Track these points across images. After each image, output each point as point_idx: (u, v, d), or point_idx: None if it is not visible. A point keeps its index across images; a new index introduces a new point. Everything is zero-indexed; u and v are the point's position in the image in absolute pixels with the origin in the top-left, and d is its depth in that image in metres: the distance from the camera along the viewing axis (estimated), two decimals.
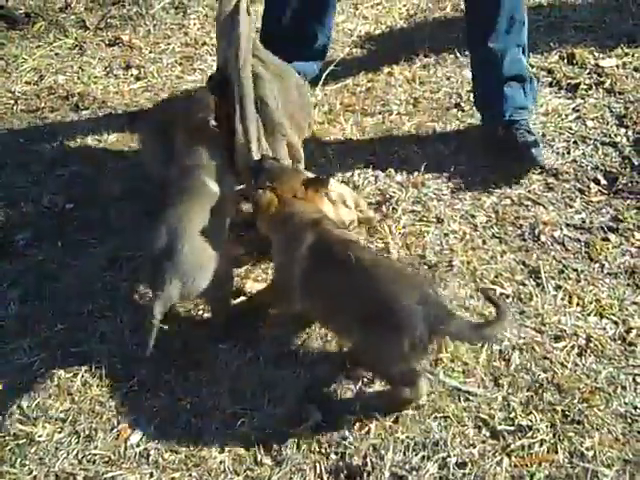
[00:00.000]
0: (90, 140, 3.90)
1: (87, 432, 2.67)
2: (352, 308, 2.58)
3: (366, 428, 2.65)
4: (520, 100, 3.65)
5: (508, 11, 3.53)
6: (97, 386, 2.80)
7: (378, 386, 2.76)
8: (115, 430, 2.68)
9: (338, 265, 2.63)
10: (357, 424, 2.66)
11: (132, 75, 4.36)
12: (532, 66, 4.05)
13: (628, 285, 3.10)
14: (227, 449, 2.62)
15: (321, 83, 4.10)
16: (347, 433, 2.64)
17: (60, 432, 2.67)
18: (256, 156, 2.97)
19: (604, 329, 2.94)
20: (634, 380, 2.76)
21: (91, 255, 3.31)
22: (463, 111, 3.97)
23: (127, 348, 2.93)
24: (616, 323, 2.96)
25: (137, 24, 4.75)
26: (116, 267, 3.26)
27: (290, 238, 2.75)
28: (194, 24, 4.75)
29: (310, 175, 3.02)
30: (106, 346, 2.94)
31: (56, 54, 4.54)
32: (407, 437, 2.62)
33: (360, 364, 2.76)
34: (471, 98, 3.93)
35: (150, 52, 4.53)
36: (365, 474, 2.53)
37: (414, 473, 2.53)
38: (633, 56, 4.21)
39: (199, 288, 2.75)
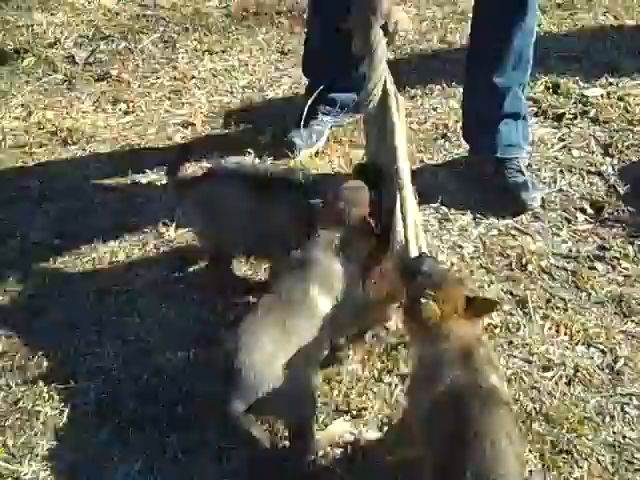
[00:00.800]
0: (78, 175, 3.91)
1: (73, 470, 2.64)
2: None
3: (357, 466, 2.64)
4: (513, 138, 3.65)
5: (517, 48, 3.48)
6: (84, 423, 2.78)
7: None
8: (102, 467, 2.65)
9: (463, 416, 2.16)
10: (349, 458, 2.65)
11: (121, 110, 4.39)
12: None
13: (615, 314, 3.10)
14: None
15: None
16: (337, 469, 2.61)
17: (46, 470, 2.64)
18: (414, 253, 2.61)
19: (592, 358, 2.94)
20: (622, 409, 2.75)
21: (80, 290, 3.30)
22: (450, 142, 4.00)
23: (114, 383, 2.91)
24: (604, 352, 2.96)
25: (126, 59, 4.79)
26: (104, 301, 3.25)
27: (435, 362, 2.31)
28: (182, 58, 4.80)
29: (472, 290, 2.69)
30: (93, 382, 2.92)
31: (45, 89, 4.58)
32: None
33: None
34: (458, 129, 3.96)
35: (139, 86, 4.57)
36: None
37: None
38: (617, 86, 4.26)
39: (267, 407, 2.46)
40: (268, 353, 2.42)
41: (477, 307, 2.36)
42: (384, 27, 2.88)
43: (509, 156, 3.63)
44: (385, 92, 2.87)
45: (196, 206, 3.14)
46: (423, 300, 2.30)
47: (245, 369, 2.39)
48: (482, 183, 3.69)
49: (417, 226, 2.73)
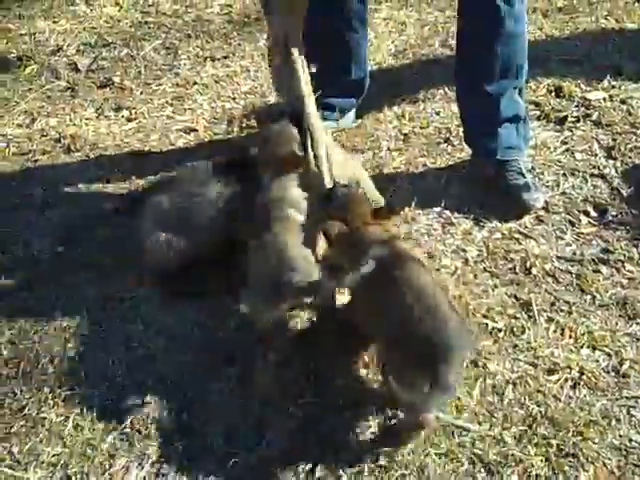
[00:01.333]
0: (82, 182, 3.91)
1: (79, 476, 2.64)
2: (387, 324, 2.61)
3: (360, 466, 2.63)
4: (512, 140, 3.64)
5: (504, 55, 3.46)
6: (89, 429, 2.78)
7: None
8: (107, 474, 2.65)
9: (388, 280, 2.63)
10: (350, 463, 2.64)
11: (123, 116, 4.39)
12: None
13: (620, 316, 3.10)
14: None
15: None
16: (341, 472, 2.62)
17: (51, 477, 2.64)
18: (328, 184, 3.04)
19: (597, 361, 2.93)
20: (628, 412, 2.75)
21: (83, 297, 3.30)
22: (453, 146, 4.00)
23: (118, 390, 2.91)
24: (609, 355, 2.95)
25: (128, 66, 4.79)
26: (107, 308, 3.25)
27: (357, 255, 2.74)
28: (184, 65, 4.79)
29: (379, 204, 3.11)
30: (98, 389, 2.92)
31: (48, 96, 4.58)
32: (402, 475, 2.60)
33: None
34: (461, 133, 3.95)
35: (141, 93, 4.57)
36: None
37: None
38: (620, 88, 4.25)
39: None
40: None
41: (381, 214, 2.89)
42: None
43: (509, 158, 3.63)
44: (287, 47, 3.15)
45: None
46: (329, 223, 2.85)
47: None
48: (484, 186, 3.69)
49: (329, 159, 3.09)
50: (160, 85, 4.62)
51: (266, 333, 2.98)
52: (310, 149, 3.08)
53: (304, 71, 3.18)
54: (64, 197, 3.83)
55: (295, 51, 3.15)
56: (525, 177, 3.60)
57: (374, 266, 2.66)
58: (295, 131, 3.13)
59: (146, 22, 5.20)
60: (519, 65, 3.55)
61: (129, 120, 4.37)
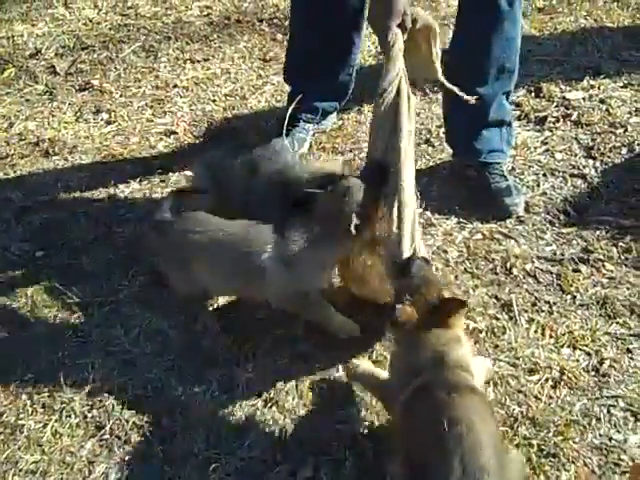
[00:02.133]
0: (61, 186, 3.89)
1: None
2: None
3: (343, 469, 2.63)
4: (496, 144, 3.64)
5: (499, 58, 3.46)
6: (68, 436, 2.77)
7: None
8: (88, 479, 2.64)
9: (432, 417, 2.30)
10: (333, 466, 2.64)
11: (102, 119, 4.36)
12: None
13: (600, 316, 3.10)
14: None
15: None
16: (323, 475, 2.61)
17: None
18: (406, 253, 2.72)
19: (577, 361, 2.94)
20: (609, 411, 2.75)
21: (62, 301, 3.28)
22: (433, 147, 4.00)
23: (98, 395, 2.89)
24: (589, 354, 2.96)
25: (107, 68, 4.77)
26: (87, 313, 3.23)
27: (409, 360, 2.49)
28: (164, 67, 4.77)
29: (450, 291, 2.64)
30: (77, 394, 2.90)
31: (26, 100, 4.55)
32: (383, 477, 2.59)
33: None
34: (441, 134, 3.96)
35: (121, 96, 4.54)
36: None
37: None
38: (599, 88, 4.26)
39: None
40: None
41: (444, 308, 2.47)
42: (401, 25, 2.90)
43: (492, 161, 3.63)
44: (399, 91, 2.86)
45: None
46: (398, 307, 2.44)
47: None
48: (465, 188, 3.69)
49: (414, 229, 2.79)
50: (140, 88, 4.60)
51: None
52: (396, 210, 2.77)
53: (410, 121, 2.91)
54: (43, 201, 3.80)
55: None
56: (507, 180, 3.61)
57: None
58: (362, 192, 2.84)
59: (125, 25, 5.17)
60: (511, 70, 3.55)
61: (108, 123, 4.34)
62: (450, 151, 3.84)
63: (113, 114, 4.39)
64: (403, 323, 2.44)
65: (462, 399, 2.32)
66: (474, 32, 3.45)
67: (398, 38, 2.89)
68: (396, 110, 2.84)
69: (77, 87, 4.63)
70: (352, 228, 2.77)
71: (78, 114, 4.41)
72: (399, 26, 2.89)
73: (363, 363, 2.84)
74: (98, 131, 4.28)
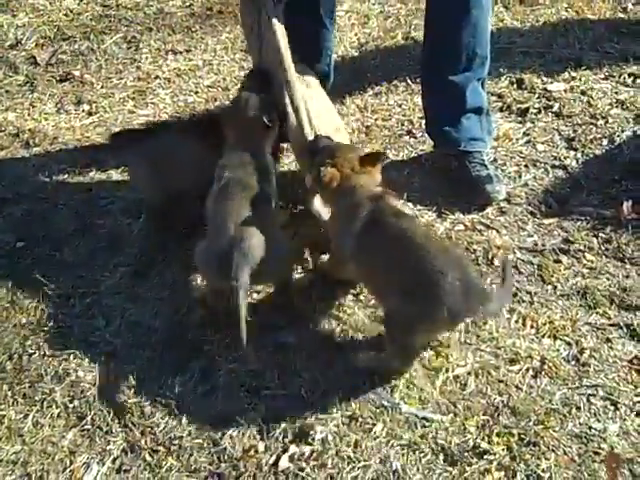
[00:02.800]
0: (41, 177, 3.87)
1: (39, 474, 2.62)
2: (399, 275, 2.74)
3: (324, 458, 2.63)
4: (476, 132, 3.65)
5: (468, 46, 3.49)
6: (49, 426, 2.76)
7: None
8: (67, 471, 2.63)
9: (390, 235, 2.80)
10: (314, 454, 2.64)
11: (84, 111, 4.34)
12: None
13: (581, 306, 3.12)
14: None
15: None
16: (304, 464, 2.62)
17: (11, 474, 2.61)
18: (310, 137, 3.16)
19: (558, 351, 2.96)
20: (588, 400, 2.77)
21: (43, 293, 3.26)
22: (415, 138, 4.00)
23: (79, 386, 2.88)
24: (569, 344, 2.98)
25: (88, 59, 4.74)
26: (69, 304, 3.22)
27: (350, 209, 2.90)
28: (146, 58, 4.75)
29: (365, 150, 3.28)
30: (58, 386, 2.89)
31: (6, 91, 4.52)
32: (365, 466, 2.61)
33: (386, 325, 2.84)
34: (423, 125, 3.96)
35: (102, 87, 4.52)
36: None
37: None
38: (580, 80, 4.28)
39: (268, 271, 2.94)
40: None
41: (368, 160, 2.98)
42: None
43: (472, 150, 3.64)
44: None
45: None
46: (322, 169, 2.92)
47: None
48: (447, 178, 3.70)
49: (309, 112, 3.22)
50: (121, 79, 4.58)
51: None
52: (290, 101, 3.20)
53: (281, 29, 3.26)
54: (24, 192, 3.78)
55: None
56: (488, 169, 3.62)
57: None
58: (259, 98, 3.24)
59: (107, 15, 5.13)
60: (483, 56, 3.57)
61: (90, 114, 4.32)
62: (431, 142, 3.85)
63: (94, 105, 4.37)
64: (329, 181, 2.92)
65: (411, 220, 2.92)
66: (443, 21, 3.49)
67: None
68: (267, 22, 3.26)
69: (58, 78, 4.60)
70: (267, 123, 3.19)
71: (59, 105, 4.38)
72: None
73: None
74: (79, 122, 4.26)
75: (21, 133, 4.16)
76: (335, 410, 2.77)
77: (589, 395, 2.79)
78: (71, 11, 5.20)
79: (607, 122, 4.00)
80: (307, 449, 2.66)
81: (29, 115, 4.31)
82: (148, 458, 2.65)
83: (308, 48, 3.80)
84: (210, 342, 3.02)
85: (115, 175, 3.86)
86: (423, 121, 3.94)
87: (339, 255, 3.04)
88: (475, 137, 3.65)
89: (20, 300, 3.23)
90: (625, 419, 2.71)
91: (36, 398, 2.85)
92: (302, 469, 2.61)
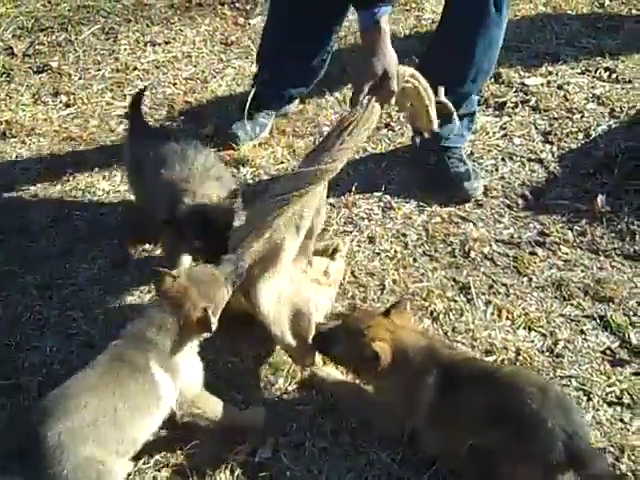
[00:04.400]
0: (18, 169, 3.85)
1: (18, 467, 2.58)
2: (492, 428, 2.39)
3: (301, 448, 2.65)
4: (456, 129, 3.64)
5: (479, 63, 3.47)
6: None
7: None
8: None
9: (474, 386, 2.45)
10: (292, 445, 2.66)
11: (61, 102, 4.32)
12: None
13: (555, 298, 3.16)
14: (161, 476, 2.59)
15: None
16: (282, 456, 2.63)
17: None
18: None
19: (533, 342, 2.99)
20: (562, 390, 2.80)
21: (20, 285, 3.25)
22: (393, 131, 4.03)
23: (56, 378, 2.86)
24: (544, 335, 3.01)
25: (66, 50, 4.72)
26: (46, 296, 3.21)
27: (413, 376, 2.53)
28: (124, 49, 4.73)
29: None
30: (35, 377, 2.88)
31: None
32: (343, 454, 2.62)
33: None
34: (402, 118, 3.98)
35: (80, 78, 4.50)
36: None
37: None
38: (557, 74, 4.32)
39: None
40: None
41: (396, 313, 2.64)
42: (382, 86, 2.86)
43: (451, 145, 3.66)
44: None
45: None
46: (370, 348, 2.50)
47: None
48: (425, 172, 3.71)
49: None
50: (99, 70, 4.56)
51: None
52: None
53: None
54: (0, 184, 3.76)
55: None
56: (466, 164, 3.65)
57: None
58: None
59: (84, 6, 5.10)
60: (489, 70, 3.59)
61: (67, 106, 4.30)
62: (410, 135, 3.86)
63: (72, 97, 4.35)
64: (385, 358, 2.52)
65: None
66: (459, 37, 3.43)
67: (370, 104, 2.82)
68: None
69: (35, 69, 4.58)
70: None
71: (36, 96, 4.36)
72: (381, 87, 2.84)
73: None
74: (57, 114, 4.24)
75: None
76: (313, 403, 2.78)
77: (563, 386, 2.82)
78: (49, 1, 5.17)
79: (583, 116, 4.04)
80: (285, 440, 2.67)
81: (6, 106, 4.29)
82: None
83: (313, 47, 3.80)
84: None
85: (93, 167, 3.84)
86: (402, 115, 3.95)
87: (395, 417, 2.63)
88: (455, 133, 3.66)
89: None
90: (598, 409, 2.75)
91: (14, 390, 2.82)
92: (279, 459, 2.61)
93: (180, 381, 2.48)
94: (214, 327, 2.47)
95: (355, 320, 2.69)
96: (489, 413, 2.38)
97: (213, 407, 2.59)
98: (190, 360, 2.54)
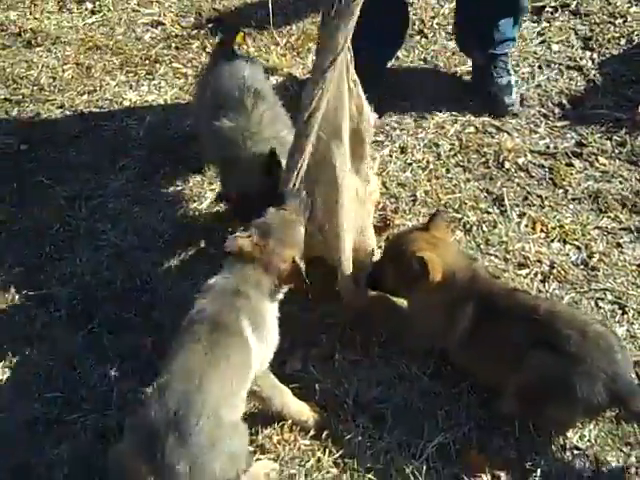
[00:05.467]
0: (45, 78, 3.80)
1: (47, 376, 2.63)
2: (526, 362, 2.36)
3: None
4: (509, 32, 3.48)
5: None
6: (57, 328, 2.76)
7: None
8: (77, 371, 2.64)
9: (511, 318, 2.42)
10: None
11: (87, 9, 4.23)
12: None
13: (592, 210, 3.09)
14: None
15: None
16: (311, 366, 2.63)
17: (20, 376, 2.63)
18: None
19: (567, 255, 2.93)
20: (596, 304, 2.77)
21: (49, 196, 3.25)
22: (427, 38, 3.90)
23: (87, 289, 2.88)
24: (579, 248, 2.95)
25: None
26: (75, 207, 3.20)
27: (451, 302, 2.50)
28: None
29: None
30: (66, 287, 2.89)
31: None
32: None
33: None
34: (435, 25, 3.87)
35: None
36: None
37: None
38: None
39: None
40: None
41: (433, 225, 2.58)
42: None
43: (500, 52, 3.48)
44: None
45: None
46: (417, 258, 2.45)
47: None
48: (461, 81, 3.59)
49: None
50: None
51: None
52: None
53: None
54: (27, 93, 3.73)
55: None
56: (510, 74, 3.48)
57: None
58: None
59: None
60: None
61: (93, 13, 4.21)
62: (444, 43, 3.73)
63: (97, 4, 4.26)
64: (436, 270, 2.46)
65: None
66: None
67: None
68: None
69: None
70: None
71: (61, 3, 4.27)
72: None
73: None
74: (82, 21, 4.15)
75: (23, 32, 4.06)
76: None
77: (597, 299, 2.78)
78: None
79: (625, 21, 3.88)
80: (315, 351, 2.66)
81: (31, 14, 4.21)
82: (154, 360, 2.62)
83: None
84: (216, 246, 2.97)
85: (120, 76, 3.78)
86: (435, 21, 3.83)
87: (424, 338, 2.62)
88: (507, 37, 3.49)
89: (26, 203, 3.21)
90: (633, 323, 2.71)
91: (44, 300, 2.85)
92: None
93: (264, 345, 2.36)
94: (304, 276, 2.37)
95: (395, 240, 2.67)
96: (524, 353, 2.34)
97: (273, 389, 2.44)
98: (274, 323, 2.41)
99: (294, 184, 2.49)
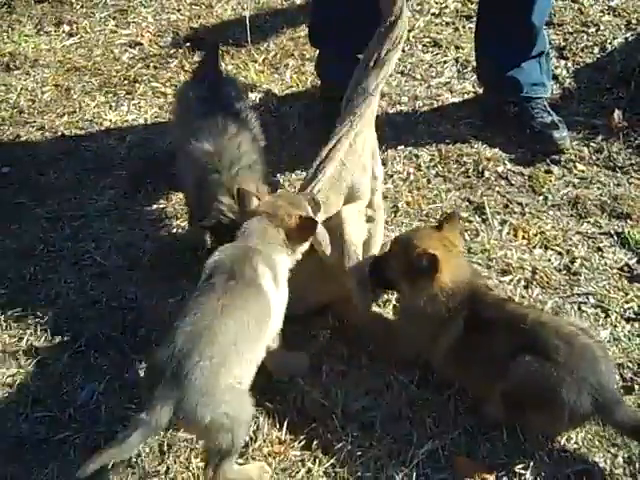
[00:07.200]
0: (24, 101, 3.82)
1: (35, 396, 2.61)
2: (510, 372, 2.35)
3: None
4: (536, 76, 3.46)
5: None
6: (43, 349, 2.75)
7: None
8: (64, 390, 2.63)
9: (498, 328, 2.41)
10: None
11: (64, 31, 4.26)
12: None
13: (571, 216, 3.12)
14: None
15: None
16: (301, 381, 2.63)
17: (7, 397, 2.61)
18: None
19: (549, 260, 2.96)
20: (579, 308, 2.79)
21: (31, 217, 3.25)
22: (403, 51, 3.91)
23: (73, 309, 2.88)
24: (560, 254, 2.98)
25: None
26: (58, 228, 3.20)
27: (443, 313, 2.47)
28: None
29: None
30: (51, 308, 2.88)
31: None
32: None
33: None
34: (411, 37, 3.91)
35: (82, 7, 4.42)
36: None
37: None
38: None
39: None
40: None
41: (447, 226, 2.56)
42: None
43: (535, 95, 3.47)
44: None
45: None
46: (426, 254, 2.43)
47: None
48: (498, 123, 3.54)
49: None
50: None
51: None
52: None
53: None
54: (6, 117, 3.74)
55: None
56: (551, 114, 3.44)
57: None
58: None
59: None
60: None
61: (70, 35, 4.23)
62: (421, 55, 3.77)
63: (75, 26, 4.28)
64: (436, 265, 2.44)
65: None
66: None
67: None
68: None
69: None
70: None
71: (39, 26, 4.29)
72: None
73: None
74: (60, 44, 4.18)
75: (1, 56, 4.07)
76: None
77: (580, 303, 2.81)
78: None
79: (598, 29, 3.94)
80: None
81: (8, 37, 4.23)
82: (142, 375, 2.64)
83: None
84: (199, 263, 2.95)
85: (99, 97, 3.80)
86: (411, 34, 3.86)
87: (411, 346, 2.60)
88: (537, 82, 3.46)
89: (8, 225, 3.21)
90: (616, 325, 2.73)
91: (30, 321, 2.83)
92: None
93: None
94: (319, 227, 2.47)
95: (406, 235, 2.65)
96: (509, 364, 2.33)
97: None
98: (285, 285, 2.44)
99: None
